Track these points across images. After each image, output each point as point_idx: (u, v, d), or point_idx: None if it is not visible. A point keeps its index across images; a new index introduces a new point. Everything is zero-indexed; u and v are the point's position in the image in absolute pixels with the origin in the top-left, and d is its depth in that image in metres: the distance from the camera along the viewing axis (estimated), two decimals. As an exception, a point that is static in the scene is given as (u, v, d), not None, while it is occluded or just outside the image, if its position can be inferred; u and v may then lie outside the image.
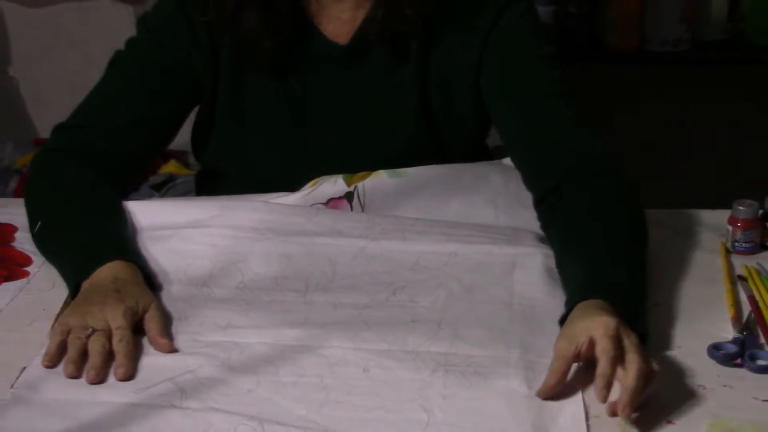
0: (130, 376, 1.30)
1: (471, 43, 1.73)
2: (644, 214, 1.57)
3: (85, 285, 1.44)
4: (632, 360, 1.23)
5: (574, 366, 1.28)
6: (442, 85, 1.76)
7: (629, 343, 1.25)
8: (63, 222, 1.58)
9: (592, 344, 1.25)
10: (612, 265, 1.44)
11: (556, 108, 1.68)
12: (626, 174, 1.60)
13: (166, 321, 1.41)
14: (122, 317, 1.36)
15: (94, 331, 1.34)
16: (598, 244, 1.48)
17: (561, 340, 1.29)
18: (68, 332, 1.35)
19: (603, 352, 1.23)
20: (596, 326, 1.26)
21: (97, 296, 1.41)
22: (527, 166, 1.68)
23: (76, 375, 1.30)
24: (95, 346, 1.32)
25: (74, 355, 1.32)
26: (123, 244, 1.52)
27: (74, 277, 1.47)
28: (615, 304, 1.33)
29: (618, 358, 1.24)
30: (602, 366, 1.23)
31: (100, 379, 1.29)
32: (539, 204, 1.62)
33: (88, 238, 1.51)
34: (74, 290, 1.46)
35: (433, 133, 1.79)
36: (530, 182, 1.66)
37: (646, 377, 1.22)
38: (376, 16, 1.71)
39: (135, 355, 1.34)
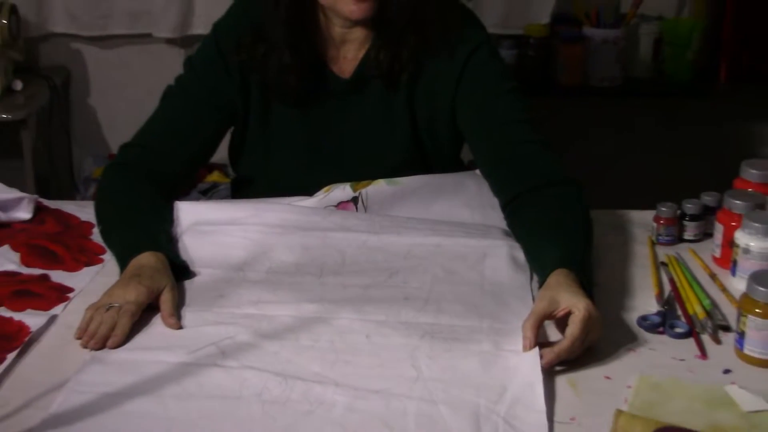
0: (116, 345, 1.31)
1: (448, 79, 1.71)
2: (590, 212, 1.57)
3: (122, 274, 1.46)
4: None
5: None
6: (426, 114, 1.76)
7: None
8: (116, 223, 1.58)
9: (568, 313, 1.28)
10: (577, 246, 1.46)
11: (519, 132, 1.66)
12: (576, 182, 1.60)
13: (177, 302, 1.41)
14: (133, 295, 1.37)
15: (111, 307, 1.35)
16: (564, 230, 1.50)
17: (542, 301, 1.31)
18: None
19: (579, 322, 1.27)
20: (579, 303, 1.28)
21: (123, 281, 1.42)
22: (496, 178, 1.67)
23: (84, 344, 1.32)
24: (104, 318, 1.33)
25: (89, 326, 1.34)
26: (155, 239, 1.51)
27: (120, 268, 1.48)
28: (579, 274, 1.37)
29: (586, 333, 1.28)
30: (574, 333, 1.27)
31: (99, 346, 1.31)
32: (506, 207, 1.63)
33: (131, 237, 1.51)
34: None
35: (420, 152, 1.78)
36: (499, 191, 1.66)
37: (587, 329, 1.27)
38: (374, 56, 1.71)
39: (131, 328, 1.34)
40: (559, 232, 1.49)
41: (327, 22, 1.71)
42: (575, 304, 1.28)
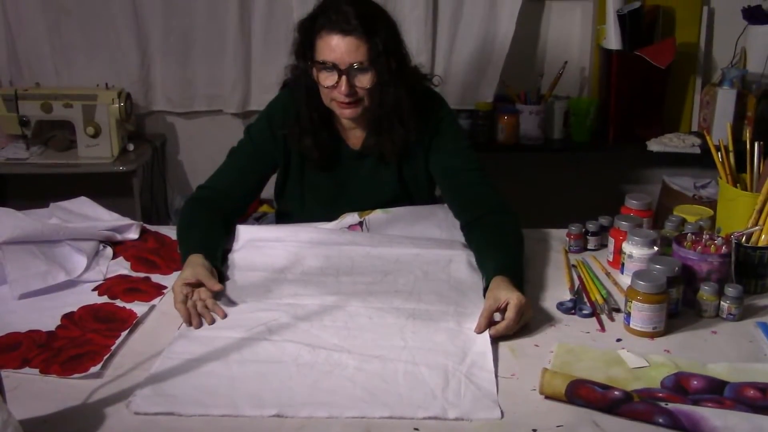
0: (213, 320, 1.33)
1: (422, 146, 1.69)
2: (521, 232, 1.56)
3: (184, 264, 1.45)
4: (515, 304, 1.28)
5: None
6: (409, 169, 1.74)
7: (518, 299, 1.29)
8: (186, 236, 1.56)
9: (507, 304, 1.28)
10: (512, 257, 1.46)
11: (473, 177, 1.65)
12: (512, 212, 1.59)
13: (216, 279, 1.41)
14: (191, 273, 1.39)
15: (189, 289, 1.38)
16: (503, 246, 1.48)
17: (489, 300, 1.30)
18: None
19: (514, 308, 1.27)
20: (513, 296, 1.28)
21: (186, 267, 1.42)
22: (457, 208, 1.65)
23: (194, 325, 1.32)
24: (197, 301, 1.36)
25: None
26: (202, 246, 1.49)
27: (182, 260, 1.47)
28: (512, 278, 1.35)
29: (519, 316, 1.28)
30: (510, 316, 1.27)
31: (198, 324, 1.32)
32: (464, 228, 1.61)
33: (186, 250, 1.49)
34: None
35: (405, 192, 1.76)
36: (458, 216, 1.64)
37: (521, 313, 1.28)
38: (370, 142, 1.70)
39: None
40: (498, 249, 1.48)
41: (338, 114, 1.69)
42: (510, 297, 1.28)
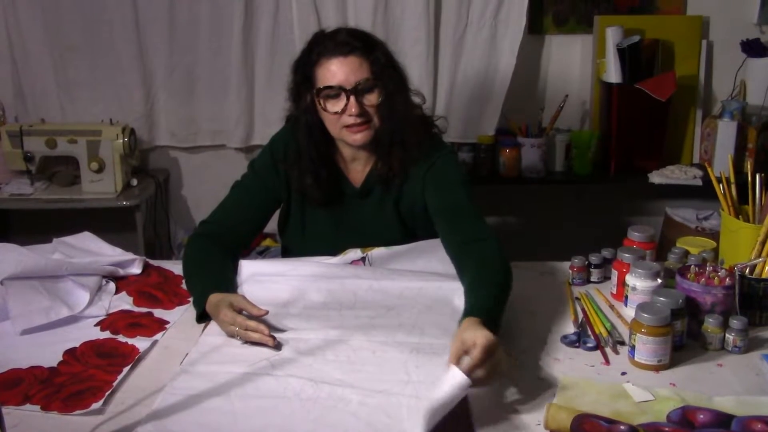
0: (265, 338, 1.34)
1: (418, 180, 1.68)
2: (508, 263, 1.47)
3: (208, 309, 1.44)
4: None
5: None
6: (407, 207, 1.72)
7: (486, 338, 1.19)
8: (195, 274, 1.55)
9: (474, 344, 1.18)
10: (486, 298, 1.36)
11: (465, 212, 1.60)
12: (495, 236, 1.53)
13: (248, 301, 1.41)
14: (230, 315, 1.37)
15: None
16: (480, 284, 1.40)
17: (456, 343, 1.20)
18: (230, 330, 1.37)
19: (479, 347, 1.17)
20: (479, 335, 1.19)
21: (217, 317, 1.41)
22: (448, 239, 1.59)
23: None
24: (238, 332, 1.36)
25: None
26: (218, 285, 1.48)
27: (197, 310, 1.47)
28: (483, 318, 1.27)
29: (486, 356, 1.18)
30: (475, 355, 1.16)
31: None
32: (453, 258, 1.56)
33: (201, 288, 1.49)
34: (199, 317, 1.46)
35: (405, 229, 1.75)
36: (448, 248, 1.58)
37: (488, 353, 1.17)
38: (376, 169, 1.70)
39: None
40: (473, 286, 1.41)
41: (341, 147, 1.70)
42: (477, 337, 1.18)
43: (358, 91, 1.57)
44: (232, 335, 1.37)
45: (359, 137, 1.62)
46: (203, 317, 1.46)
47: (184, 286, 1.61)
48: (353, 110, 1.57)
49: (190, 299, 1.56)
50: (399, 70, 1.66)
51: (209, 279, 1.52)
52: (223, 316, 1.38)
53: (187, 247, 1.66)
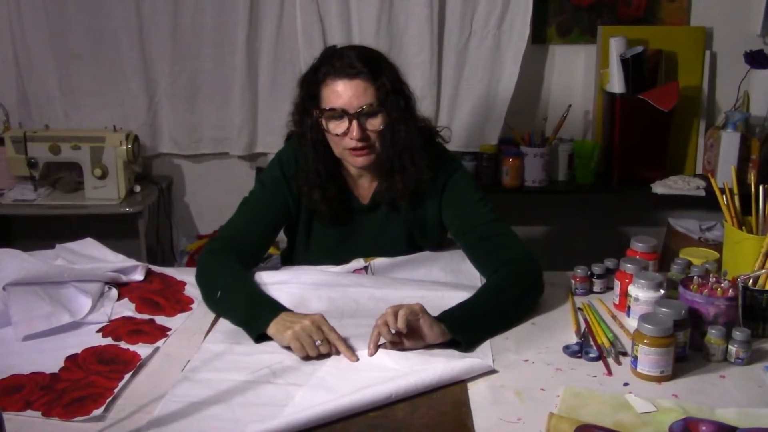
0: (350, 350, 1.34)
1: (433, 198, 1.69)
2: (541, 281, 1.54)
3: (271, 330, 1.37)
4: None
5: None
6: (417, 224, 1.73)
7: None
8: (228, 293, 1.50)
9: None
10: (470, 307, 1.43)
11: (490, 229, 1.61)
12: (533, 258, 1.57)
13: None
14: (322, 320, 1.37)
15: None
16: (483, 296, 1.47)
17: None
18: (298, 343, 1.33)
19: (407, 306, 1.34)
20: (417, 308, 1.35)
21: (292, 327, 1.35)
22: (479, 261, 1.61)
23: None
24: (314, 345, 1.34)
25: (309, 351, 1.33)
26: (267, 297, 1.47)
27: (256, 330, 1.39)
28: (447, 321, 1.36)
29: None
30: (388, 311, 1.33)
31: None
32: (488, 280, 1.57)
33: (267, 305, 1.44)
34: (257, 337, 1.39)
35: (411, 246, 1.75)
36: (481, 269, 1.60)
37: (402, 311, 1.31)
38: (381, 188, 1.70)
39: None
40: (472, 297, 1.46)
41: (346, 165, 1.69)
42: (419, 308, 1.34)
43: (361, 116, 1.56)
44: (302, 340, 1.33)
45: (360, 161, 1.62)
46: (262, 336, 1.40)
47: (187, 292, 1.61)
48: (355, 134, 1.57)
49: (192, 306, 1.57)
50: (406, 95, 1.64)
51: (265, 296, 1.49)
52: (310, 320, 1.35)
53: (203, 262, 1.60)
